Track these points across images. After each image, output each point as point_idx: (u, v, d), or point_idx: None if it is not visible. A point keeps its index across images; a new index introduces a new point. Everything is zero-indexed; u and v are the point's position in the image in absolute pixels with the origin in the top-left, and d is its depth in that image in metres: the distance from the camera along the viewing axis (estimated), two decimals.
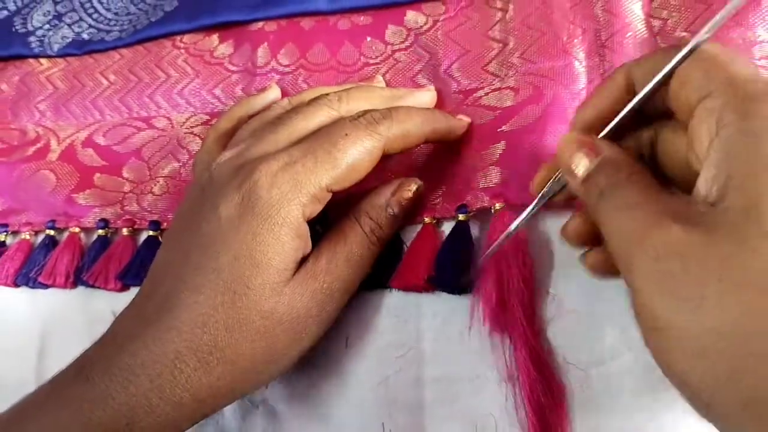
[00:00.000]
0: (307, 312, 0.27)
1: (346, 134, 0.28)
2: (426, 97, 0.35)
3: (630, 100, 0.24)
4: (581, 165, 0.23)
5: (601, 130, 0.25)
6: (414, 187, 0.31)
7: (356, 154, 0.28)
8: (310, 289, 0.27)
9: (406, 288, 0.32)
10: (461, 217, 0.32)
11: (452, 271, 0.31)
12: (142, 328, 0.26)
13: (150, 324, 0.26)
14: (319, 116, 0.30)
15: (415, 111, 0.31)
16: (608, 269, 0.25)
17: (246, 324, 0.26)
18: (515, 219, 0.28)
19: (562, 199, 0.27)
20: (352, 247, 0.29)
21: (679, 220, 0.19)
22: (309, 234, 0.28)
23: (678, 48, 0.22)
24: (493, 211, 0.31)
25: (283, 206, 0.26)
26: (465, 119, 0.34)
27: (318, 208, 0.28)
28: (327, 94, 0.32)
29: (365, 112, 0.29)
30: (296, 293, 0.27)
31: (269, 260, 0.26)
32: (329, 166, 0.27)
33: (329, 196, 0.28)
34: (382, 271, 0.32)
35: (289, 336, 0.27)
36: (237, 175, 0.28)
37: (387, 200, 0.31)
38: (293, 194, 0.26)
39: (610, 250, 0.21)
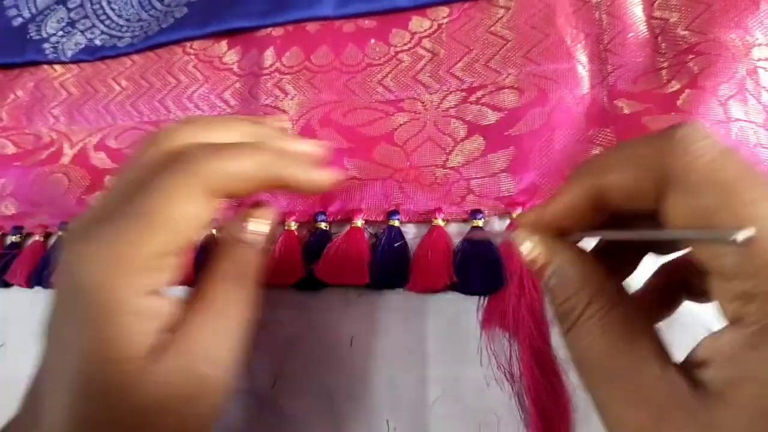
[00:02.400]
0: (183, 393, 0.22)
1: (159, 188, 0.22)
2: (306, 147, 0.27)
3: (597, 217, 0.21)
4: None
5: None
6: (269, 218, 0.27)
7: (177, 211, 0.22)
8: (177, 365, 0.22)
9: (424, 292, 0.32)
10: (479, 223, 0.32)
11: (469, 277, 0.31)
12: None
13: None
14: (143, 159, 0.24)
15: (255, 150, 0.24)
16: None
17: (113, 423, 0.21)
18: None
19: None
20: (224, 305, 0.24)
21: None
22: (162, 305, 0.22)
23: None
24: (510, 218, 0.31)
25: (105, 290, 0.21)
26: (328, 175, 0.26)
27: (162, 276, 0.22)
28: (160, 131, 0.25)
29: (185, 151, 0.23)
30: (164, 375, 0.21)
31: (117, 353, 0.21)
32: (146, 234, 0.21)
33: (173, 259, 0.22)
34: (389, 271, 0.33)
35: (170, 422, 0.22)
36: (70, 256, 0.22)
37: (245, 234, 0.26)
38: (114, 272, 0.21)
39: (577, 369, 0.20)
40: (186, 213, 0.22)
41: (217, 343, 0.23)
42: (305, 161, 0.25)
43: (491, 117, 0.35)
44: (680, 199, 0.17)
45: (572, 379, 0.29)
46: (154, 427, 0.21)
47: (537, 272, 0.21)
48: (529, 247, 0.22)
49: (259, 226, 0.26)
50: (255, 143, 0.25)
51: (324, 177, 0.25)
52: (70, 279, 0.21)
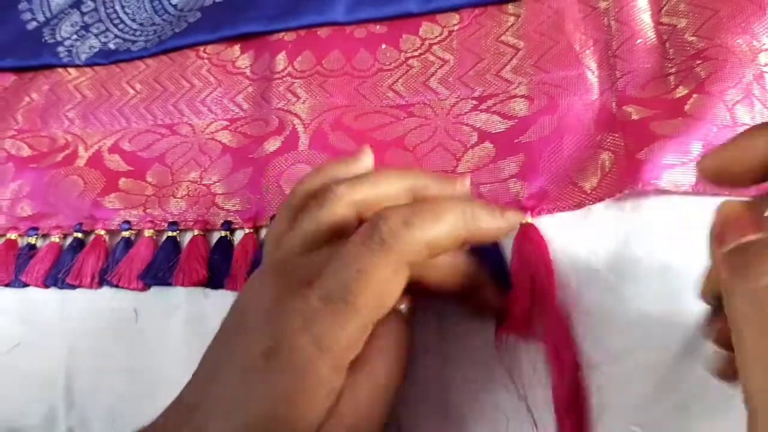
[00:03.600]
0: None
1: (359, 270, 0.23)
2: (457, 187, 0.29)
3: None
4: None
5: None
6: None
7: (378, 291, 0.23)
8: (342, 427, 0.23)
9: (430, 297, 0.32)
10: None
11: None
12: None
13: None
14: (329, 215, 0.27)
15: (446, 208, 0.25)
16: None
17: None
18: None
19: None
20: (384, 373, 0.25)
21: None
22: (342, 382, 0.23)
23: None
24: (521, 223, 0.31)
25: (314, 360, 0.22)
26: (516, 215, 0.28)
27: (356, 352, 0.23)
28: (333, 185, 0.27)
29: (376, 224, 0.24)
30: None
31: (295, 413, 0.22)
32: (348, 317, 0.23)
33: (363, 338, 0.23)
34: None
35: None
36: (274, 307, 0.24)
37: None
38: (328, 345, 0.22)
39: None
40: (390, 295, 0.23)
41: (374, 409, 0.24)
42: (486, 205, 0.26)
43: (501, 125, 0.35)
44: None
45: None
46: None
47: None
48: None
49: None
50: (435, 204, 0.25)
51: (513, 217, 0.27)
52: (283, 342, 0.22)
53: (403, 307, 0.27)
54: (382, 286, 0.23)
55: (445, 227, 0.24)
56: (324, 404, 0.22)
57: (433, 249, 0.24)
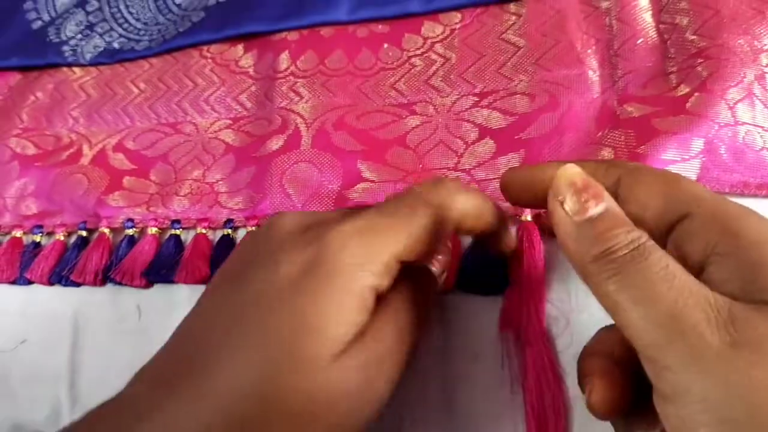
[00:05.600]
0: (354, 392, 0.23)
1: (417, 205, 0.25)
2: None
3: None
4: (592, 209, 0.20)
5: None
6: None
7: (429, 227, 0.24)
8: (358, 363, 0.23)
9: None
10: None
11: (478, 278, 0.32)
12: (166, 394, 0.22)
13: (177, 390, 0.22)
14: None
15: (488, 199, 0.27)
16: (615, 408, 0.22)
17: (284, 403, 0.22)
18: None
19: None
20: (404, 323, 0.25)
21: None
22: (372, 310, 0.24)
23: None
24: (520, 221, 0.32)
25: (353, 273, 0.23)
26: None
27: (387, 282, 0.24)
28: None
29: (441, 182, 0.26)
30: (344, 370, 0.22)
31: (325, 328, 0.22)
32: (404, 235, 0.24)
33: (398, 267, 0.24)
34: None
35: (331, 420, 0.22)
36: (305, 233, 0.25)
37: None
38: (366, 261, 0.23)
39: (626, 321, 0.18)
40: (434, 236, 0.24)
41: (391, 355, 0.24)
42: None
43: (502, 121, 0.35)
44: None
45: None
46: (311, 418, 0.22)
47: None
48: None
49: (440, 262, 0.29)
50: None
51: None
52: (321, 254, 0.23)
53: (435, 269, 0.28)
54: (433, 227, 0.24)
55: (491, 207, 0.27)
56: (357, 321, 0.23)
57: (478, 220, 0.26)
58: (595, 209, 0.20)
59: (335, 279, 0.22)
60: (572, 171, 0.21)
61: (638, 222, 0.20)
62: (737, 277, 0.18)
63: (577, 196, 0.20)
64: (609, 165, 0.23)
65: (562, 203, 0.20)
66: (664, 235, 0.21)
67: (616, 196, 0.21)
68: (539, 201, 0.23)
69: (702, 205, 0.20)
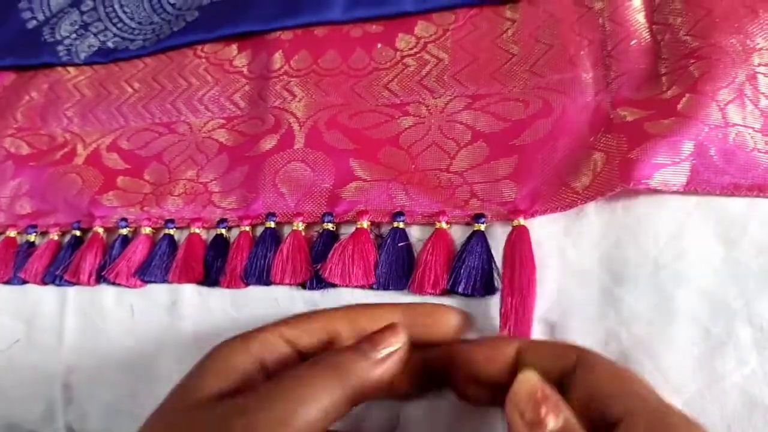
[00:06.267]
0: None
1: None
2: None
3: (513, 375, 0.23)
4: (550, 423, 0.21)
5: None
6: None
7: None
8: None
9: (426, 294, 0.32)
10: (481, 227, 0.32)
11: (471, 280, 0.31)
12: None
13: None
14: None
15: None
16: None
17: None
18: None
19: None
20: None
21: None
22: None
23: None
24: (513, 225, 0.32)
25: None
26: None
27: None
28: None
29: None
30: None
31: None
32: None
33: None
34: (393, 272, 0.33)
35: None
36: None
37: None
38: None
39: None
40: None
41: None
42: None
43: (495, 125, 0.35)
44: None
45: None
46: None
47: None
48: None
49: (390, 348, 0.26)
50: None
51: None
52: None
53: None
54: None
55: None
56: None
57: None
58: (552, 424, 0.20)
59: None
60: (532, 381, 0.22)
61: (584, 408, 0.21)
62: None
63: (536, 408, 0.21)
64: (568, 347, 0.24)
65: (522, 414, 0.21)
66: (608, 429, 0.21)
67: (571, 377, 0.22)
68: (497, 378, 0.24)
69: (647, 410, 0.21)
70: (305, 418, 0.23)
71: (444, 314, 0.30)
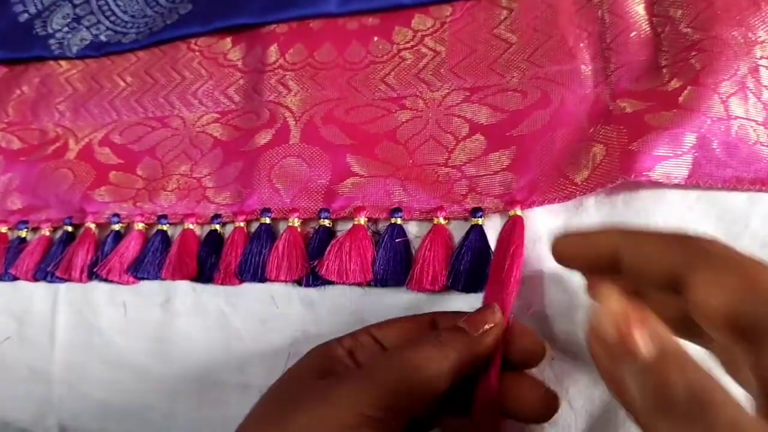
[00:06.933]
0: None
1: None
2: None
3: (612, 274, 0.22)
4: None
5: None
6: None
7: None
8: None
9: (425, 290, 0.32)
10: (479, 221, 0.32)
11: (470, 275, 0.31)
12: None
13: None
14: None
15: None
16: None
17: None
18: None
19: None
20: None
21: None
22: None
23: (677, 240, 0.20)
24: (509, 215, 0.31)
25: None
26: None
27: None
28: None
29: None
30: None
31: None
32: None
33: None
34: (391, 269, 0.33)
35: None
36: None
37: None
38: None
39: None
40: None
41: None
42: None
43: (493, 117, 0.35)
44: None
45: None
46: None
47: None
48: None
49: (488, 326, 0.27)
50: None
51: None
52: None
53: None
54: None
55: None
56: None
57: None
58: (644, 349, 0.18)
59: None
60: (613, 303, 0.19)
61: (706, 318, 0.18)
62: None
63: (624, 336, 0.18)
64: (680, 241, 0.21)
65: (606, 348, 0.19)
66: (735, 340, 0.18)
67: (686, 277, 0.19)
68: (592, 267, 0.24)
69: (717, 256, 0.19)
70: (399, 391, 0.24)
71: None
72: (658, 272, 0.20)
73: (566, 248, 0.25)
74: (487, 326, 0.26)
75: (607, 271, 0.22)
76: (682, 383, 0.17)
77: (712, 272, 0.18)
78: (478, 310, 0.28)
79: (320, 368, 0.27)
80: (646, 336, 0.18)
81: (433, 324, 0.29)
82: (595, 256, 0.23)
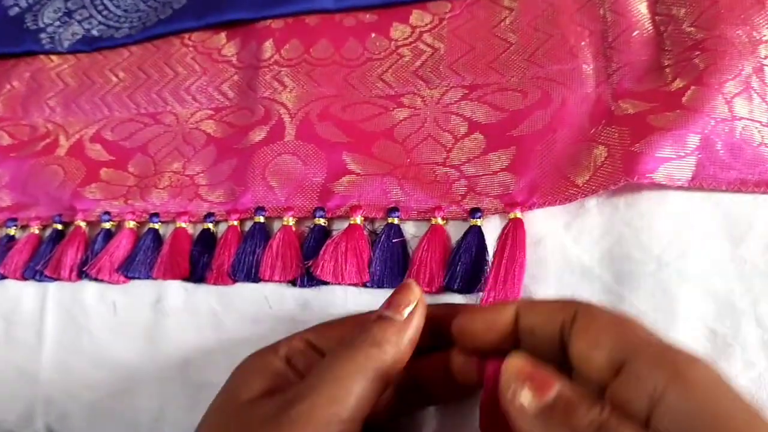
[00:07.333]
0: None
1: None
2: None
3: (513, 339, 0.24)
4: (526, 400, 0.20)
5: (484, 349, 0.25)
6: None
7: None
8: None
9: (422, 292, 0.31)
10: (478, 222, 0.31)
11: (467, 277, 0.31)
12: None
13: None
14: None
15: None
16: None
17: None
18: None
19: None
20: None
21: None
22: None
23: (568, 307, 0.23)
24: (509, 218, 0.31)
25: None
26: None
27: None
28: None
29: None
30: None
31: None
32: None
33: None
34: (388, 270, 0.32)
35: None
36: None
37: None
38: None
39: None
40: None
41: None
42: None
43: (492, 116, 0.34)
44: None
45: None
46: None
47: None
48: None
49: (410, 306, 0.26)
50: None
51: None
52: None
53: None
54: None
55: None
56: None
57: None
58: (548, 395, 0.20)
59: None
60: (518, 362, 0.21)
61: (587, 360, 0.21)
62: (687, 426, 0.18)
63: (528, 385, 0.20)
64: (566, 302, 0.23)
65: (515, 397, 0.20)
66: (612, 377, 0.20)
67: (571, 330, 0.22)
68: (495, 345, 0.24)
69: (650, 349, 0.20)
70: (353, 393, 0.23)
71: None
72: (549, 331, 0.23)
73: (468, 326, 0.25)
74: (411, 306, 0.26)
75: (501, 346, 0.24)
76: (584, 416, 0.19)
77: (593, 331, 0.21)
78: (393, 293, 0.27)
79: (262, 387, 0.26)
80: (545, 385, 0.20)
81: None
82: (499, 325, 0.24)
